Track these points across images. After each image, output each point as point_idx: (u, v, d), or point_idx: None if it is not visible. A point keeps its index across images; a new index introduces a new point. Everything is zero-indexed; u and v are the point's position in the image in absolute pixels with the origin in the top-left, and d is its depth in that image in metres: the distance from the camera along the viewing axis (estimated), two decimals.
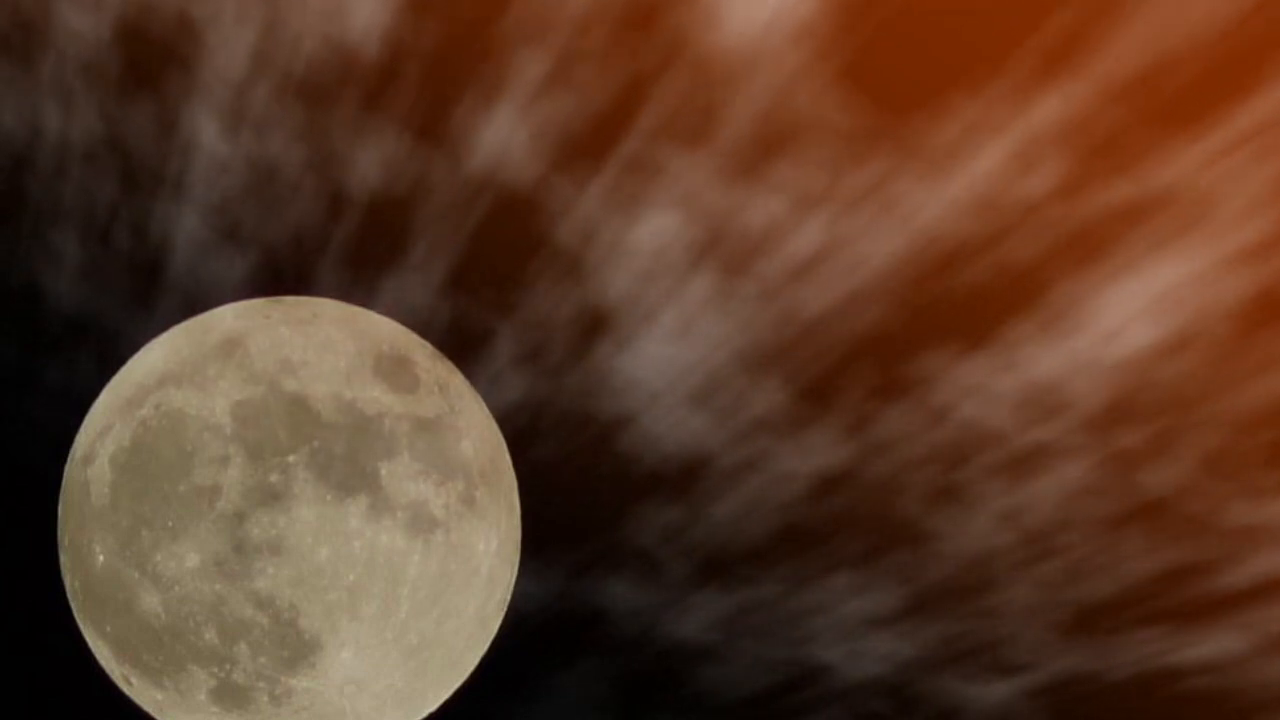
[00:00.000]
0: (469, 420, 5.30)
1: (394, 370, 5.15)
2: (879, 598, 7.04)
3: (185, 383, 5.01)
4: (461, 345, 6.37)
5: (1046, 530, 6.57)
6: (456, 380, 5.42)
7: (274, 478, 4.82)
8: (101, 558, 5.03)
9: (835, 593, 7.08)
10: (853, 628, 7.22)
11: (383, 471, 4.92)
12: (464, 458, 5.18)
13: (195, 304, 6.41)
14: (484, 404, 5.52)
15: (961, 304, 5.88)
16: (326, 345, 5.10)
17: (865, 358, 6.18)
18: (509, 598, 5.55)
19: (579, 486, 6.99)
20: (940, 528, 6.66)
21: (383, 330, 5.32)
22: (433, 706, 5.51)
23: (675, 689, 7.70)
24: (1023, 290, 5.77)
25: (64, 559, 5.30)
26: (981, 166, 5.38)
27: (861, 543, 6.86)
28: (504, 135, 5.66)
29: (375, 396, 5.02)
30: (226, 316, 5.28)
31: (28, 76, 5.70)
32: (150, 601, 4.94)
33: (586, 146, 5.64)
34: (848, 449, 6.52)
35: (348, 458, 4.88)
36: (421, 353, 5.35)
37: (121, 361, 5.44)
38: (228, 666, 4.96)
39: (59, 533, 5.34)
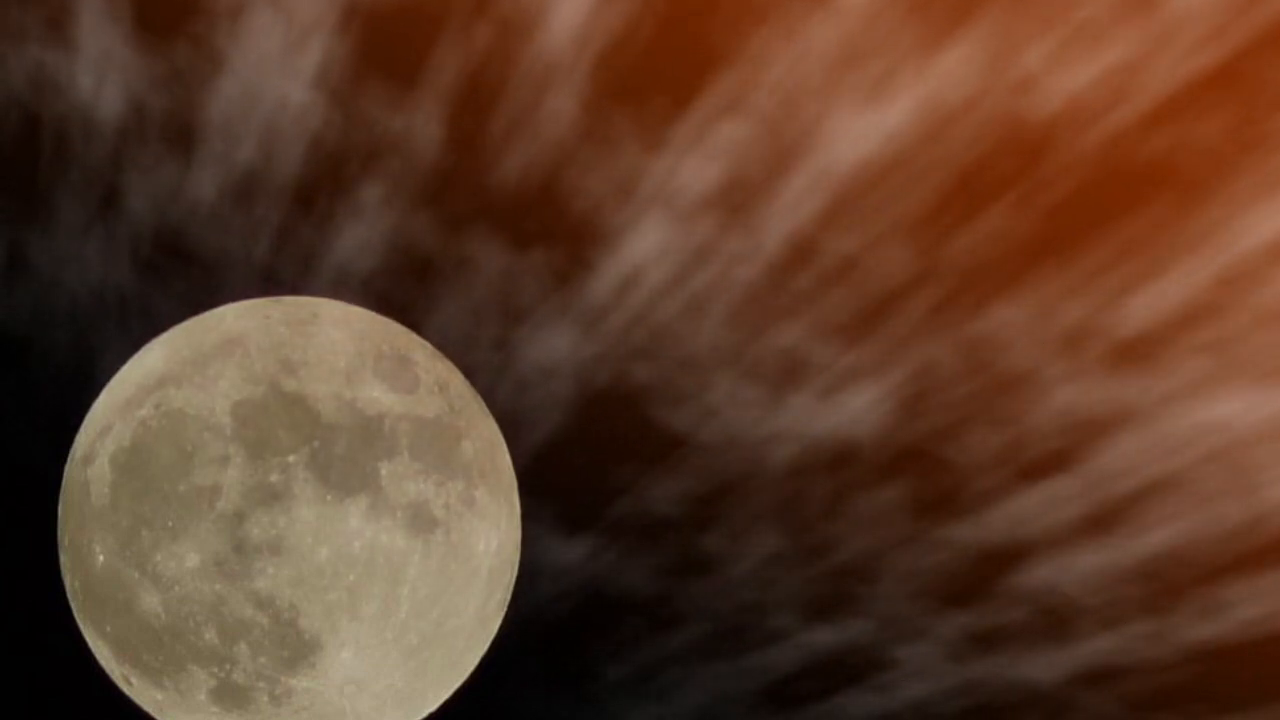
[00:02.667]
0: (469, 420, 5.30)
1: (394, 370, 5.15)
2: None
3: (185, 383, 5.01)
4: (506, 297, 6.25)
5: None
6: (456, 380, 5.42)
7: (274, 478, 4.82)
8: (101, 558, 5.03)
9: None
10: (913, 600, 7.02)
11: (383, 471, 4.92)
12: (464, 458, 5.18)
13: (213, 276, 6.36)
14: (484, 404, 5.52)
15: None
16: (326, 345, 5.10)
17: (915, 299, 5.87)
18: (509, 597, 5.55)
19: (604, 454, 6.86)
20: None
21: (383, 330, 5.32)
22: (433, 706, 5.51)
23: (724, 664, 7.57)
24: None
25: (64, 559, 5.30)
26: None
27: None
28: (536, 87, 5.55)
29: (375, 396, 5.02)
30: (226, 316, 5.28)
31: (41, 32, 5.64)
32: (150, 601, 4.94)
33: (616, 93, 5.50)
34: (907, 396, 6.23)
35: (348, 458, 4.88)
36: (421, 353, 5.35)
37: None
38: (228, 666, 4.96)
39: (59, 533, 5.34)
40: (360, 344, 5.17)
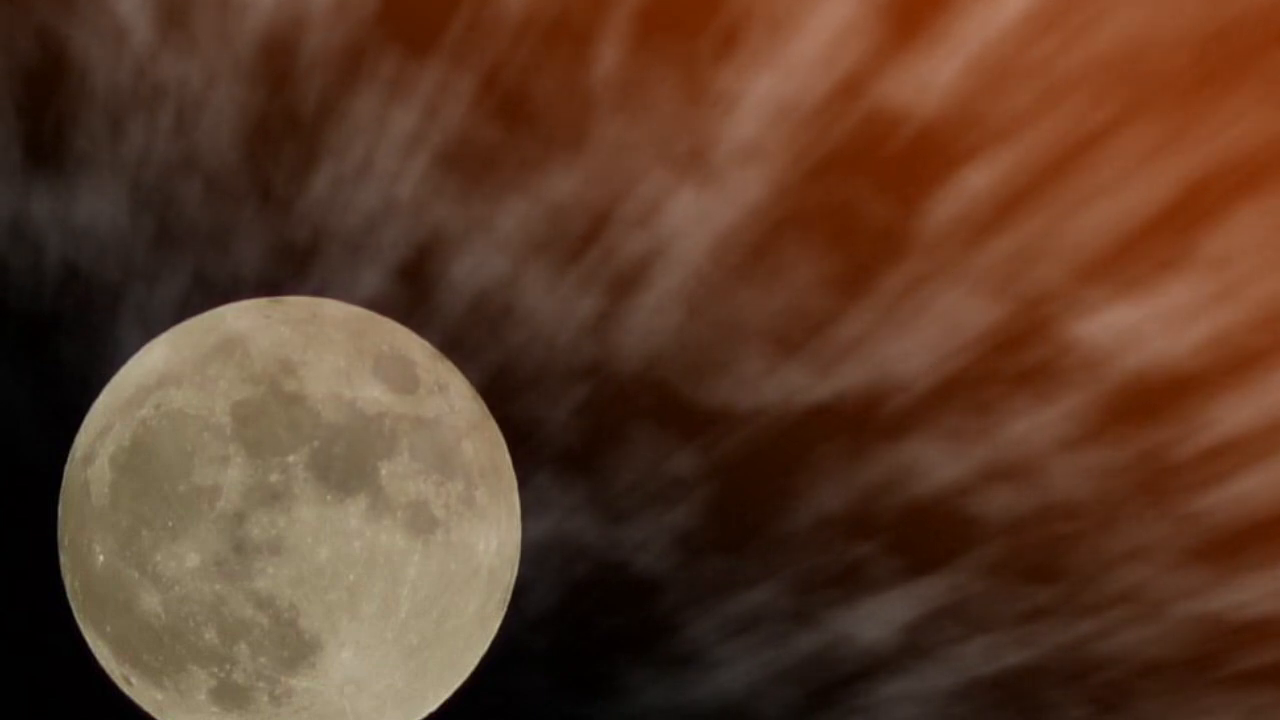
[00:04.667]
0: (469, 420, 5.30)
1: (394, 370, 5.15)
2: None
3: (185, 383, 5.02)
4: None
5: None
6: (456, 380, 5.42)
7: (274, 478, 4.83)
8: (101, 558, 5.03)
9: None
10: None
11: (383, 471, 4.92)
12: (464, 458, 5.18)
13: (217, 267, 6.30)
14: (484, 404, 5.52)
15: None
16: (326, 345, 5.10)
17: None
18: (509, 597, 5.55)
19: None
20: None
21: (383, 330, 5.33)
22: (433, 706, 5.51)
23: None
24: None
25: (64, 559, 5.30)
26: None
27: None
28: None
29: (375, 396, 5.02)
30: (226, 316, 5.28)
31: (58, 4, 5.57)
32: (150, 601, 4.94)
33: (652, 47, 5.37)
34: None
35: (348, 458, 4.88)
36: (421, 353, 5.36)
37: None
38: (228, 666, 4.96)
39: (59, 533, 5.34)
40: (360, 344, 5.17)
